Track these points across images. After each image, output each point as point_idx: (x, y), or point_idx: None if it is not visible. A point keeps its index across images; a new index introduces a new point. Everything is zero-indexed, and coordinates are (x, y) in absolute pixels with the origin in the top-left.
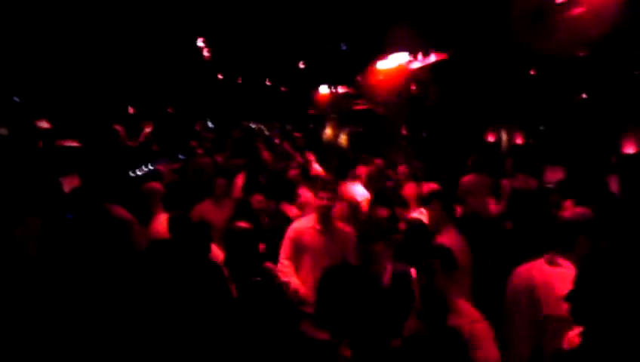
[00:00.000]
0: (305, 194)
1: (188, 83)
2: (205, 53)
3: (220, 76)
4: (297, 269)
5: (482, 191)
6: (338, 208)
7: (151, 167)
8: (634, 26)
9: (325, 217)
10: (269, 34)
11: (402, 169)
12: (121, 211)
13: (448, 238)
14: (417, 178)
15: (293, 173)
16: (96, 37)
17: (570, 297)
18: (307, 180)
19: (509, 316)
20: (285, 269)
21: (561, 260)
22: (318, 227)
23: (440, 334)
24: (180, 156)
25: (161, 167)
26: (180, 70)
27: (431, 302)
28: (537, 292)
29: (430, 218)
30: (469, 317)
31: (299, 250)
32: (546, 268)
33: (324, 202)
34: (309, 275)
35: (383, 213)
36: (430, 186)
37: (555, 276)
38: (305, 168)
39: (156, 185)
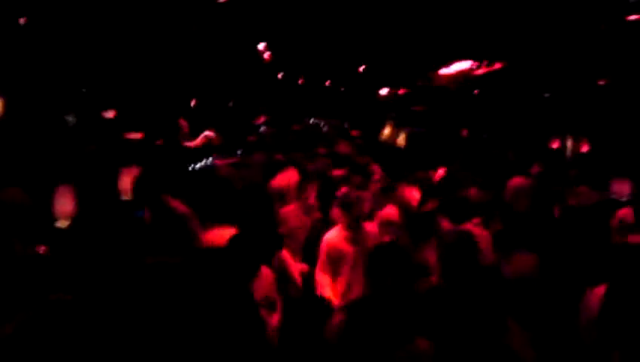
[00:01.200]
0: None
1: (249, 80)
2: (266, 55)
3: (279, 76)
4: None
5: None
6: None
7: (209, 162)
8: None
9: (352, 225)
10: (331, 39)
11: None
12: (179, 205)
13: None
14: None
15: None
16: (166, 33)
17: None
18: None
19: None
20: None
21: None
22: (345, 234)
23: None
24: (238, 151)
25: (218, 162)
26: (241, 68)
27: None
28: None
29: None
30: None
31: (334, 261)
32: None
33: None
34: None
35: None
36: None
37: None
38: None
39: None
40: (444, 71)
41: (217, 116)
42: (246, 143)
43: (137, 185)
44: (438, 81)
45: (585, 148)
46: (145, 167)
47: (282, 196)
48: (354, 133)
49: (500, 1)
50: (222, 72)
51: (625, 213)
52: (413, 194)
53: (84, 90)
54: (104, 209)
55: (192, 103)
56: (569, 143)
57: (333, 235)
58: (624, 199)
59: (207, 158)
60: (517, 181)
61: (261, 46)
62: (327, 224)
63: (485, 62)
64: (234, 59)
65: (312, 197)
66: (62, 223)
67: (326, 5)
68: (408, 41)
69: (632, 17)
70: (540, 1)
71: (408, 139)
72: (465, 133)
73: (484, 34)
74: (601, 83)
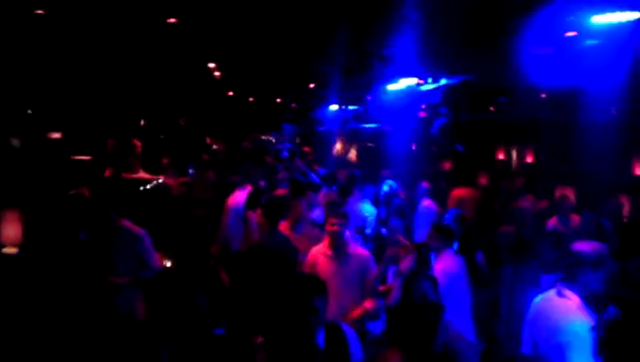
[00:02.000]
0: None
1: (199, 98)
2: (216, 73)
3: (230, 93)
4: None
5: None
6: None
7: (160, 181)
8: None
9: (336, 243)
10: (279, 57)
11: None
12: (130, 225)
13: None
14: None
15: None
16: (112, 53)
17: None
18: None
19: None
20: None
21: (568, 292)
22: (329, 253)
23: None
24: (190, 170)
25: (169, 181)
26: (191, 87)
27: None
28: (538, 321)
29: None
30: None
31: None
32: (553, 298)
33: (334, 228)
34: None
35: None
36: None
37: (558, 307)
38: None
39: None
40: (390, 87)
41: (168, 135)
42: (198, 161)
43: (82, 206)
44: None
45: (530, 159)
46: (94, 189)
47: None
48: (306, 148)
49: None
50: (173, 91)
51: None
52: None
53: (29, 111)
54: (51, 234)
55: (142, 122)
56: (514, 154)
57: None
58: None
59: (158, 178)
60: (461, 192)
61: (212, 65)
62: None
63: (431, 79)
64: (185, 77)
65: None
66: (9, 250)
67: (275, 22)
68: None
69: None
70: None
71: (358, 153)
72: (414, 146)
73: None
74: (543, 96)
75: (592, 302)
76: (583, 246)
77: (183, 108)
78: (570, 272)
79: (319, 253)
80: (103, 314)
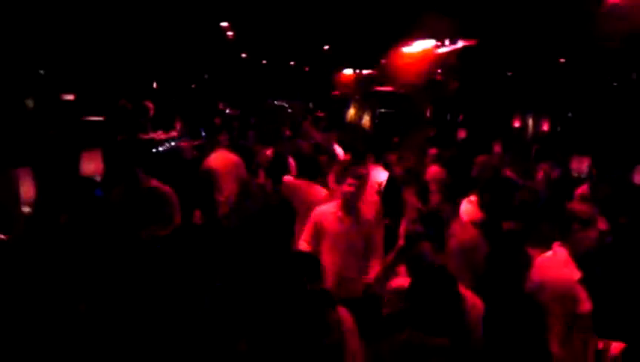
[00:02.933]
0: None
1: (212, 61)
2: (229, 33)
3: (243, 55)
4: (316, 253)
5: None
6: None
7: (173, 144)
8: None
9: (349, 203)
10: (294, 16)
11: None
12: (158, 183)
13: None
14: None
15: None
16: (124, 13)
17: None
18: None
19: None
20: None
21: (559, 250)
22: (339, 213)
23: None
24: (203, 133)
25: (183, 144)
26: (204, 48)
27: None
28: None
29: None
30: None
31: (319, 235)
32: (546, 255)
33: (351, 188)
34: (327, 260)
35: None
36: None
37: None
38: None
39: None
40: (407, 49)
41: (180, 98)
42: (211, 126)
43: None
44: (401, 61)
45: (546, 127)
46: (112, 149)
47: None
48: (319, 113)
49: None
50: (184, 53)
51: (583, 189)
52: (380, 174)
53: (42, 72)
54: (65, 191)
55: (154, 85)
56: (530, 122)
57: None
58: (583, 176)
59: (171, 141)
60: (481, 158)
61: (224, 24)
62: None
63: (448, 41)
64: (196, 38)
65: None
66: (24, 208)
67: None
68: (370, 18)
69: None
70: None
71: (373, 120)
72: (429, 113)
73: (447, 11)
74: (562, 61)
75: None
76: (576, 204)
77: (195, 71)
78: (562, 229)
79: (328, 213)
80: (130, 271)
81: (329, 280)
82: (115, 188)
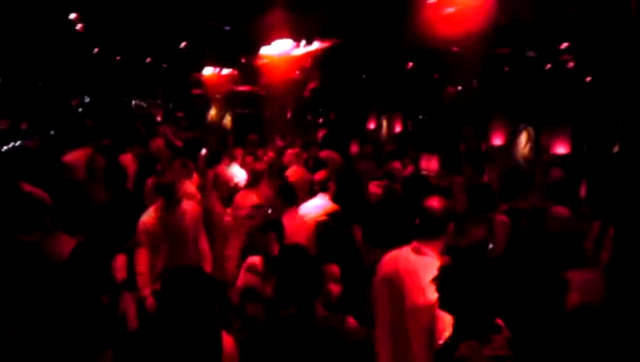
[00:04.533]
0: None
1: (60, 56)
2: (79, 26)
3: (96, 50)
4: (154, 258)
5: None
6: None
7: (19, 143)
8: (501, 26)
9: (168, 202)
10: (149, 8)
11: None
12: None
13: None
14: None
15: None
16: None
17: (438, 286)
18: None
19: (374, 305)
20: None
21: (425, 249)
22: (162, 213)
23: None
24: (52, 132)
25: (29, 143)
26: (50, 42)
27: None
28: (400, 281)
29: None
30: None
31: (150, 240)
32: (411, 256)
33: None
34: (164, 262)
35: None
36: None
37: (420, 265)
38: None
39: None
40: (265, 50)
41: (26, 96)
42: (62, 124)
43: None
44: (260, 60)
45: (399, 128)
46: None
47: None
48: (179, 114)
49: None
50: (28, 46)
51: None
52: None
53: None
54: None
55: None
56: (384, 123)
57: (148, 216)
58: (432, 174)
59: (16, 140)
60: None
61: (73, 16)
62: None
63: (304, 42)
64: (42, 30)
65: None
66: None
67: None
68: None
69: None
70: None
71: (233, 120)
72: (289, 115)
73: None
74: (410, 65)
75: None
76: (435, 202)
77: (43, 67)
78: (427, 229)
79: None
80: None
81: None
82: None
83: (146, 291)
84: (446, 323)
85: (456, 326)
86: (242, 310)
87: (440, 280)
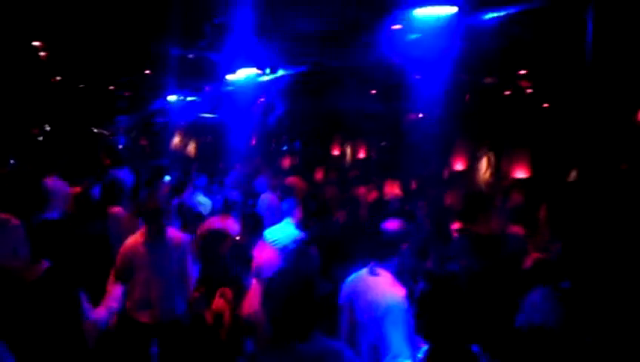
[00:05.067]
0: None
1: (22, 83)
2: (42, 53)
3: (57, 78)
4: (133, 285)
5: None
6: None
7: None
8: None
9: (155, 229)
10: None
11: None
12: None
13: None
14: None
15: None
16: None
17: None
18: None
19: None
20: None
21: (380, 270)
22: (147, 240)
23: None
24: (11, 161)
25: None
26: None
27: None
28: (356, 299)
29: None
30: None
31: (132, 267)
32: (367, 277)
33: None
34: (143, 291)
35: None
36: None
37: (372, 285)
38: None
39: None
40: (230, 77)
41: None
42: (21, 153)
43: None
44: (224, 89)
45: (362, 154)
46: None
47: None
48: (142, 142)
49: None
50: None
51: None
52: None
53: None
54: None
55: None
56: (348, 149)
57: (133, 240)
58: (395, 198)
59: None
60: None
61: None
62: None
63: (269, 69)
64: (3, 57)
65: None
66: None
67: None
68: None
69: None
70: None
71: (197, 147)
72: (253, 141)
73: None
74: (373, 92)
75: (402, 277)
76: (389, 225)
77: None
78: (383, 251)
79: (138, 243)
80: None
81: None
82: None
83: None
84: None
85: (432, 354)
86: (215, 334)
87: (417, 306)
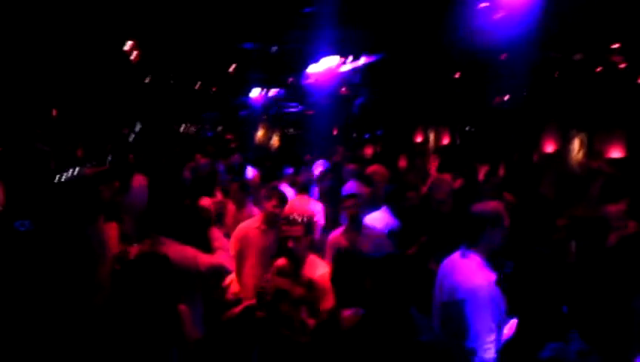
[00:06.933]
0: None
1: (114, 85)
2: (133, 56)
3: (147, 80)
4: (242, 266)
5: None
6: None
7: (77, 171)
8: (549, 30)
9: (272, 220)
10: (200, 37)
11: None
12: None
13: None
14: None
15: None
16: (19, 36)
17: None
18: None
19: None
20: None
21: (471, 253)
22: (263, 227)
23: None
24: (109, 158)
25: (88, 171)
26: (106, 72)
27: None
28: (444, 281)
29: None
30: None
31: (243, 248)
32: (457, 259)
33: (274, 210)
34: (252, 272)
35: None
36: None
37: (458, 267)
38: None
39: None
40: (312, 68)
41: (82, 124)
42: (117, 151)
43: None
44: (307, 80)
45: (446, 140)
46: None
47: None
48: (228, 136)
49: None
50: (84, 76)
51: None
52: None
53: None
54: None
55: (54, 113)
56: (432, 136)
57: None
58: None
59: (74, 168)
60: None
61: (128, 45)
62: None
63: (351, 58)
64: (96, 59)
65: None
66: None
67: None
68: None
69: None
70: None
71: (281, 140)
72: (335, 131)
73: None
74: (457, 76)
75: (492, 260)
76: (481, 206)
77: (97, 95)
78: (472, 233)
79: (252, 227)
80: None
81: (250, 292)
82: None
83: None
84: None
85: (527, 327)
86: (275, 310)
87: (507, 282)
